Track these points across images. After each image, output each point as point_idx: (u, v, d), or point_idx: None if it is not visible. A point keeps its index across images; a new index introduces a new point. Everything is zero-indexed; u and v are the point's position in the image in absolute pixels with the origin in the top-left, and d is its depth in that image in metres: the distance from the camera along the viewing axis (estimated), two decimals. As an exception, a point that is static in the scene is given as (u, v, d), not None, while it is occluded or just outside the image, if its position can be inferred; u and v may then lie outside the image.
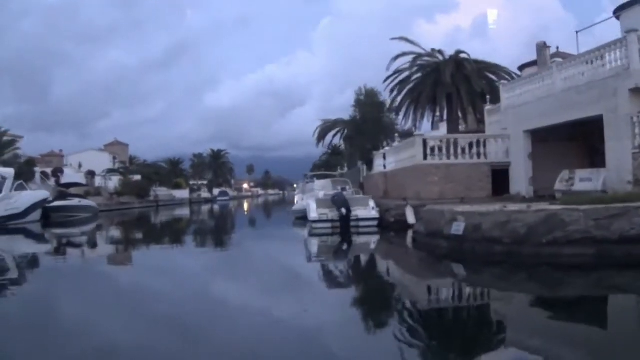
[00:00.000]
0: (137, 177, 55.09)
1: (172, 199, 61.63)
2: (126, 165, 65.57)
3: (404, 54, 27.27)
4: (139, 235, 23.90)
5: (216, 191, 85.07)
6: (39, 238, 22.73)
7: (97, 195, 44.00)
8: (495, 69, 27.50)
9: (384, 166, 23.50)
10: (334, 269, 11.12)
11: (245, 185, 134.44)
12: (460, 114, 26.45)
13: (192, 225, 30.26)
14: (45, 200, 29.83)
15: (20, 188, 28.04)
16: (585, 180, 15.70)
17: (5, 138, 41.95)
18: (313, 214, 17.19)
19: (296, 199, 27.54)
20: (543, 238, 9.60)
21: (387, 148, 24.45)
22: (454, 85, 25.38)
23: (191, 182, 77.84)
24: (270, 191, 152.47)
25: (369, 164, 26.38)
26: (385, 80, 27.25)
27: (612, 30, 24.83)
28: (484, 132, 24.44)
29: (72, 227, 27.73)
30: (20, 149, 42.90)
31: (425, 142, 18.15)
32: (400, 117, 26.52)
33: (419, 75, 26.02)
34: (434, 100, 25.77)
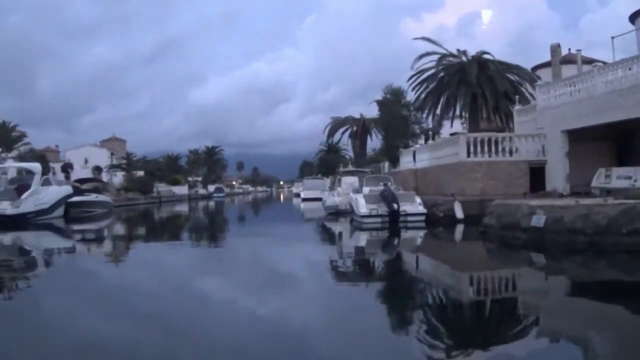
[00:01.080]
0: (140, 173, 55.13)
1: (172, 195, 61.80)
2: (124, 161, 65.40)
3: (427, 54, 28.17)
4: (162, 231, 24.15)
5: (211, 187, 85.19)
6: (73, 233, 22.99)
7: (104, 191, 44.07)
8: (517, 70, 28.55)
9: (414, 163, 24.36)
10: (431, 262, 11.87)
11: (234, 182, 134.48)
12: (484, 114, 27.41)
13: (215, 222, 30.68)
14: (68, 196, 30.02)
15: (46, 183, 28.13)
16: (623, 177, 16.73)
17: (13, 133, 41.92)
18: (362, 209, 17.92)
19: (323, 196, 28.27)
20: (623, 228, 10.53)
21: (417, 146, 25.30)
22: (478, 85, 26.32)
23: (188, 179, 77.99)
24: (259, 188, 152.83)
25: (394, 161, 27.17)
26: (409, 79, 28.13)
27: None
28: (505, 131, 25.56)
29: (91, 223, 28.09)
30: (30, 143, 42.86)
31: (468, 140, 19.04)
32: (425, 115, 27.37)
33: (443, 74, 26.88)
34: (457, 99, 26.67)
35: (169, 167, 68.09)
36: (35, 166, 27.85)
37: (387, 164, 29.57)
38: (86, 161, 53.52)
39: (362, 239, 16.38)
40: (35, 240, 19.01)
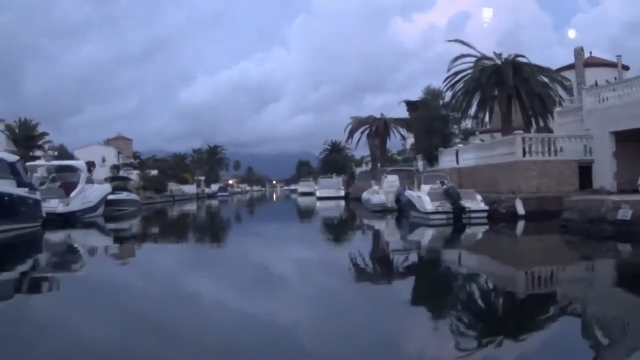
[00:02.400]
0: (153, 173, 55.84)
1: (183, 194, 62.56)
2: (132, 160, 65.96)
3: (462, 56, 29.52)
4: (201, 231, 24.52)
5: (215, 187, 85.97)
6: (119, 232, 23.69)
7: (123, 190, 44.74)
8: (547, 72, 29.98)
9: (457, 162, 25.64)
10: (538, 254, 12.84)
11: (231, 181, 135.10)
12: (518, 115, 28.80)
13: (253, 223, 31.55)
14: (108, 194, 30.71)
15: (90, 181, 28.77)
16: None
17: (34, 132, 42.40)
18: (428, 206, 19.06)
19: (364, 195, 29.44)
20: None
21: (460, 146, 26.59)
22: (514, 86, 27.69)
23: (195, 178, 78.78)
24: (255, 188, 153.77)
25: (431, 160, 28.45)
26: (445, 80, 29.48)
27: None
28: (544, 132, 26.95)
29: (127, 221, 28.97)
30: (52, 142, 43.34)
31: (524, 141, 20.36)
32: (461, 115, 28.68)
33: (480, 76, 28.18)
34: (494, 100, 28.01)
35: (178, 167, 68.79)
36: (81, 164, 28.47)
37: (421, 163, 30.79)
38: (104, 160, 54.08)
39: (458, 236, 17.17)
40: (97, 239, 20.11)
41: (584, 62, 36.19)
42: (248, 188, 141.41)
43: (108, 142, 71.51)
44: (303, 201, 57.35)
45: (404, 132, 46.71)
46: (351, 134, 47.43)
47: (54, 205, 24.02)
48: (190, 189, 68.16)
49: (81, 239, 19.84)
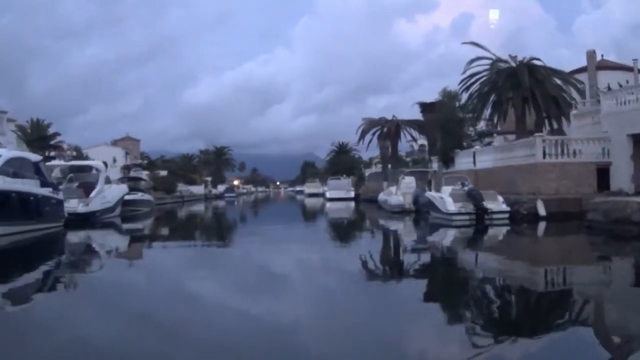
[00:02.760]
0: (163, 173, 56.25)
1: (191, 194, 62.99)
2: (139, 160, 66.38)
3: (478, 58, 29.89)
4: (215, 231, 24.96)
5: (221, 187, 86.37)
6: (139, 231, 24.10)
7: (136, 190, 45.14)
8: (561, 75, 30.34)
9: (474, 164, 26.02)
10: (572, 253, 13.27)
11: (236, 182, 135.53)
12: (533, 117, 29.15)
13: (272, 225, 31.79)
14: (125, 194, 31.05)
15: (108, 181, 29.09)
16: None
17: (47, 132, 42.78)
18: (451, 207, 19.43)
19: (381, 196, 29.84)
20: None
21: (477, 147, 26.97)
22: (529, 88, 28.03)
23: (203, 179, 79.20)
24: (259, 188, 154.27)
25: (446, 161, 28.84)
26: (460, 82, 29.86)
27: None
28: (557, 134, 27.27)
29: (141, 221, 29.37)
30: (64, 142, 43.71)
31: (544, 143, 20.73)
32: (476, 117, 29.07)
33: (496, 78, 28.54)
34: (509, 102, 28.35)
35: (185, 167, 69.26)
36: (100, 165, 28.80)
37: (435, 164, 31.18)
38: (114, 160, 54.53)
39: (483, 237, 17.47)
40: (120, 239, 20.53)
41: (597, 65, 36.52)
42: (253, 189, 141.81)
43: (115, 143, 71.96)
44: (311, 202, 57.58)
45: (414, 133, 47.17)
46: (362, 135, 47.89)
47: (73, 205, 24.17)
48: (198, 190, 68.61)
49: (105, 239, 20.23)
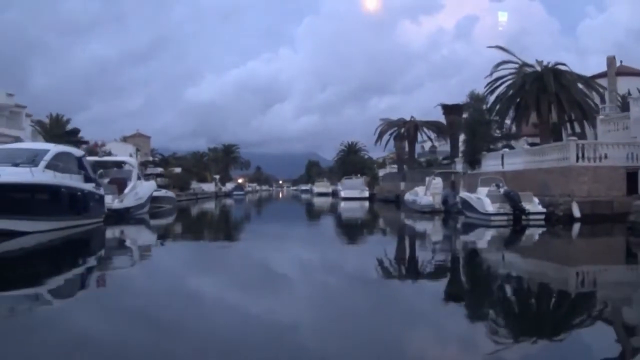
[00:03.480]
0: (177, 170, 56.84)
1: (203, 192, 63.62)
2: (151, 157, 66.97)
3: (504, 62, 30.71)
4: (242, 228, 25.74)
5: (229, 185, 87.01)
6: (169, 227, 24.77)
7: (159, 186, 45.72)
8: (585, 80, 31.13)
9: (502, 166, 26.76)
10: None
11: (240, 180, 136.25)
12: (555, 121, 29.96)
13: (299, 222, 32.41)
14: (154, 191, 31.59)
15: (139, 178, 29.52)
16: None
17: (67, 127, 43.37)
18: (489, 208, 20.16)
19: (408, 196, 30.56)
20: None
21: (505, 150, 27.73)
22: (555, 93, 28.81)
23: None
24: (263, 187, 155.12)
25: (472, 163, 29.59)
26: (486, 86, 30.65)
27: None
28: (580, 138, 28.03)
29: (166, 217, 29.94)
30: (83, 137, 44.23)
31: (577, 147, 21.48)
32: (502, 120, 29.87)
33: (522, 82, 29.29)
34: (536, 106, 29.12)
35: (198, 165, 69.89)
36: (132, 161, 29.34)
37: (459, 166, 31.92)
38: (130, 156, 54.97)
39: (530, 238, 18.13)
40: (153, 235, 21.26)
41: (616, 71, 37.22)
42: (257, 187, 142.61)
43: (125, 139, 72.42)
44: (321, 201, 57.93)
45: (430, 134, 47.92)
46: (380, 136, 48.65)
47: (108, 200, 24.54)
48: (209, 187, 69.26)
49: (146, 235, 20.93)
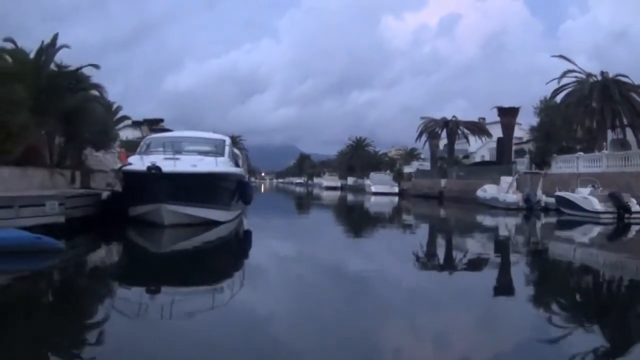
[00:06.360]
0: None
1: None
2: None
3: (569, 71, 33.84)
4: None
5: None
6: None
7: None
8: (635, 88, 34.28)
9: (577, 168, 29.73)
10: None
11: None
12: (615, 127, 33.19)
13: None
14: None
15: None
16: None
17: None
18: (597, 206, 23.00)
19: (479, 191, 33.28)
20: None
21: (580, 153, 30.67)
22: (618, 102, 31.95)
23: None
24: (252, 179, 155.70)
25: (539, 164, 32.57)
26: (553, 92, 33.80)
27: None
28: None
29: None
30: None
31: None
32: (570, 125, 33.00)
33: (590, 91, 32.31)
34: (602, 113, 32.21)
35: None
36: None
37: (523, 166, 34.78)
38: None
39: None
40: None
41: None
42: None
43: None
44: (335, 196, 57.90)
45: (467, 133, 50.83)
46: (421, 134, 51.39)
47: None
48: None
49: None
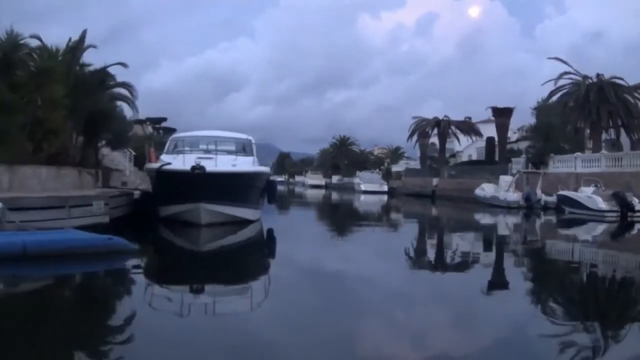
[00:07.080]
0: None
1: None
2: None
3: (566, 73, 34.81)
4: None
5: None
6: None
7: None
8: (629, 90, 35.49)
9: (574, 168, 30.70)
10: None
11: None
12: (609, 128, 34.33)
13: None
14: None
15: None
16: None
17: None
18: (602, 205, 23.82)
19: (477, 190, 34.01)
20: None
21: (578, 153, 31.66)
22: (614, 104, 33.03)
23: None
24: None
25: (536, 164, 33.55)
26: (549, 94, 34.80)
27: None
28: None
29: None
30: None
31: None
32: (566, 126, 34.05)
33: (586, 93, 33.31)
34: (598, 116, 33.25)
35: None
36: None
37: (519, 165, 35.69)
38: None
39: None
40: None
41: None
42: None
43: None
44: (334, 196, 57.62)
45: (457, 132, 51.75)
46: (413, 133, 52.11)
47: None
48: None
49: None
